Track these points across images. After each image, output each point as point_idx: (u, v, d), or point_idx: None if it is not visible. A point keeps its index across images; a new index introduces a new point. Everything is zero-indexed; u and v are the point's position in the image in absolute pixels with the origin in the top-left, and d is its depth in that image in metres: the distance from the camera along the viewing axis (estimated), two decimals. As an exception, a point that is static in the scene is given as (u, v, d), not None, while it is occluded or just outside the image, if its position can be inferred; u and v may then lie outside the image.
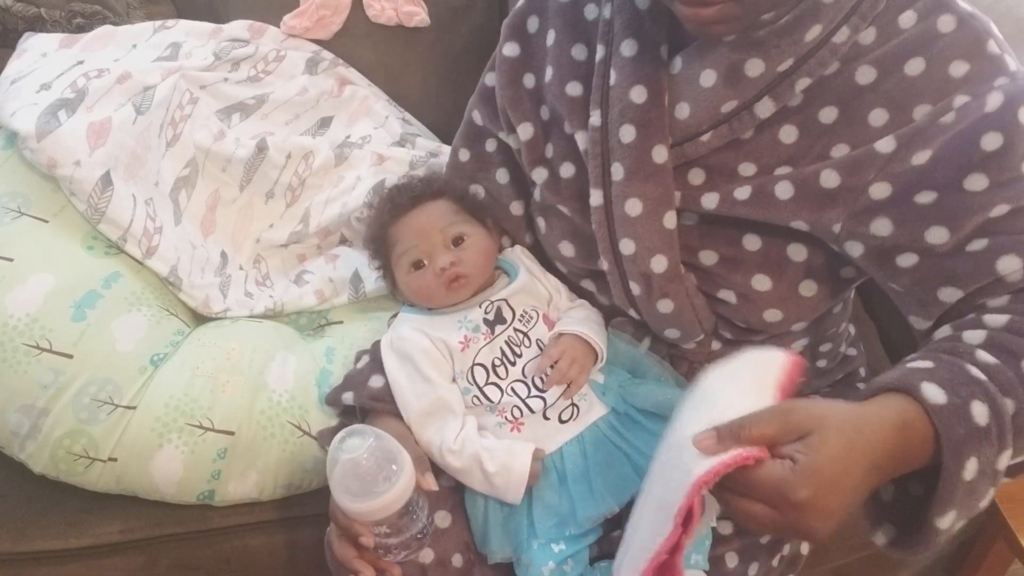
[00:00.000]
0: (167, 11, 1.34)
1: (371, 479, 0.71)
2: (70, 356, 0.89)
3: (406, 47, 1.36)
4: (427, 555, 0.82)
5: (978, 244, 0.67)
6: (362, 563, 0.74)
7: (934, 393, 0.58)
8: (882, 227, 0.70)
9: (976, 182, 0.66)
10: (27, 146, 0.92)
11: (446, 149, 1.29)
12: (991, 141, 0.66)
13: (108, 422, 0.90)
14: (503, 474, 0.77)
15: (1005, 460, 0.60)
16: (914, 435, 0.58)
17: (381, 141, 1.26)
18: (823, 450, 0.54)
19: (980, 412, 0.58)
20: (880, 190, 0.69)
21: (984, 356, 0.62)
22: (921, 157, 0.67)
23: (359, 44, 1.34)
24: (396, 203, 0.89)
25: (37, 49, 1.09)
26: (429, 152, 1.27)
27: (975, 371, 0.61)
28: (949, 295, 0.69)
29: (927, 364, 0.62)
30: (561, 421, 0.81)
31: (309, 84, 1.26)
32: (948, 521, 0.59)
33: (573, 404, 0.81)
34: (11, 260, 0.89)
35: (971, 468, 0.58)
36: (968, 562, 1.26)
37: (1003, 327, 0.65)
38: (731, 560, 0.84)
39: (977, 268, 0.67)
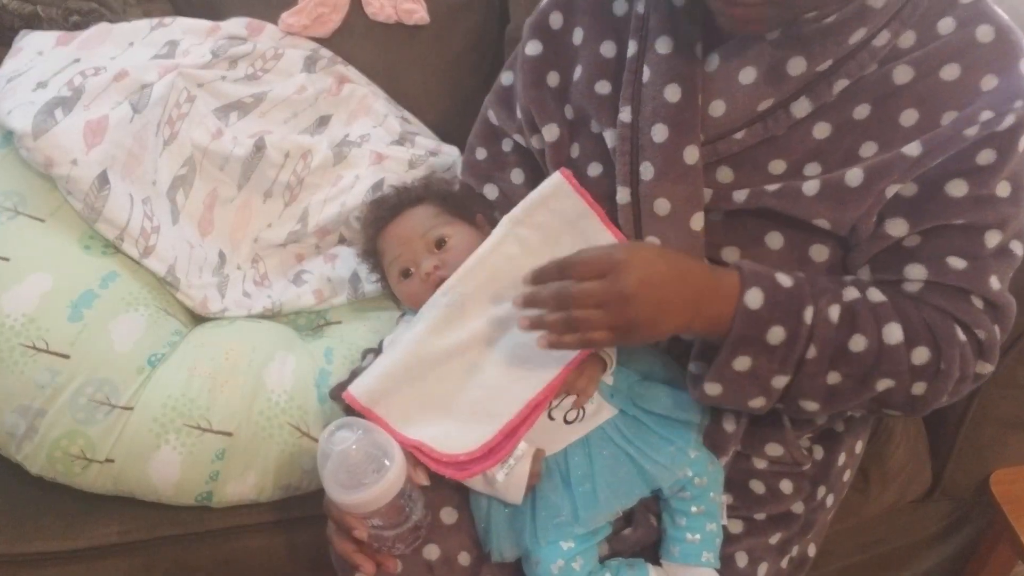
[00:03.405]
0: (164, 8, 1.33)
1: (361, 471, 0.72)
2: (67, 356, 0.88)
3: (405, 45, 1.36)
4: (433, 552, 0.82)
5: (912, 241, 0.73)
6: (361, 556, 0.75)
7: (754, 299, 0.70)
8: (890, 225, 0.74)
9: (957, 188, 0.71)
10: (23, 145, 0.91)
11: (446, 148, 1.29)
12: (986, 156, 0.70)
13: (105, 423, 0.89)
14: (506, 471, 0.76)
15: (780, 382, 0.73)
16: (723, 304, 0.71)
17: (380, 140, 1.26)
18: (643, 244, 0.75)
19: (776, 334, 0.71)
20: (891, 190, 0.72)
21: (833, 312, 0.72)
22: (938, 160, 0.70)
23: (358, 42, 1.34)
24: (378, 216, 0.90)
25: (33, 47, 1.09)
26: (428, 151, 1.26)
27: (808, 313, 0.71)
28: (865, 273, 0.77)
29: (787, 282, 0.72)
30: (566, 422, 0.80)
31: (307, 82, 1.26)
32: (715, 390, 0.74)
33: (579, 407, 0.81)
34: (7, 260, 0.89)
35: (742, 362, 0.72)
36: (972, 564, 1.26)
37: (872, 302, 0.73)
38: (741, 560, 0.84)
39: (894, 264, 0.75)
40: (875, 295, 0.74)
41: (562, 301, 0.70)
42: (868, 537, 1.17)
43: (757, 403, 0.75)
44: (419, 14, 1.33)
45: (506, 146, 0.92)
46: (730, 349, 0.71)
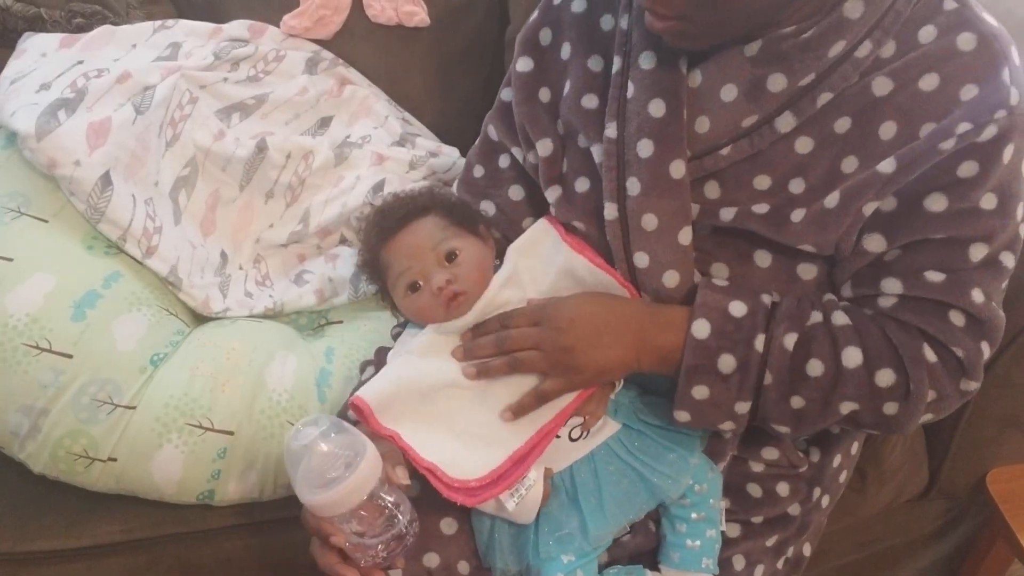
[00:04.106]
0: (167, 11, 1.34)
1: (329, 468, 0.67)
2: (70, 356, 0.89)
3: (406, 47, 1.36)
4: (433, 560, 0.82)
5: (892, 255, 0.72)
6: (345, 567, 0.71)
7: (701, 329, 0.72)
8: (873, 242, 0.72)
9: (936, 202, 0.69)
10: (27, 146, 0.92)
11: (446, 149, 1.30)
12: (967, 169, 0.67)
13: (108, 422, 0.90)
14: (517, 500, 0.76)
15: (743, 408, 0.74)
16: (670, 336, 0.74)
17: (381, 141, 1.26)
18: (571, 296, 0.78)
19: (727, 363, 0.72)
20: (869, 208, 0.71)
21: (789, 339, 0.72)
22: (914, 175, 0.69)
23: (359, 44, 1.34)
24: (383, 226, 0.85)
25: (37, 49, 1.09)
26: (429, 152, 1.27)
27: (760, 341, 0.72)
28: (846, 290, 0.76)
29: (739, 312, 0.73)
30: (572, 440, 0.80)
31: (309, 84, 1.26)
32: (683, 417, 0.75)
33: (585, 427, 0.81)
34: (11, 260, 0.89)
35: (700, 392, 0.73)
36: (968, 562, 1.26)
37: (835, 326, 0.73)
38: (738, 563, 0.85)
39: (872, 278, 0.73)
40: (840, 318, 0.73)
41: (502, 346, 0.76)
42: (865, 536, 1.18)
43: (727, 427, 0.76)
44: (420, 16, 1.34)
45: (503, 162, 0.91)
46: (685, 379, 0.73)
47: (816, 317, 0.73)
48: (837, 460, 0.90)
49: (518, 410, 0.76)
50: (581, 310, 0.76)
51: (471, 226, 0.86)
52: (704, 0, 0.65)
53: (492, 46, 1.41)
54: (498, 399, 0.78)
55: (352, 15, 1.32)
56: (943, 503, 1.18)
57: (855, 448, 0.94)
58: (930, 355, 0.71)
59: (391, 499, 0.71)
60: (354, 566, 0.72)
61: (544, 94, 0.85)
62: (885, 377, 0.71)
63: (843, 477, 0.93)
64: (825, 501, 0.91)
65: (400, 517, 0.71)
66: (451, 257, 0.81)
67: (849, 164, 0.71)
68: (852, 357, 0.71)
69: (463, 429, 0.78)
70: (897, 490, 1.10)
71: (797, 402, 0.73)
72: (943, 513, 1.20)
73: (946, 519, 1.21)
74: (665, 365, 0.75)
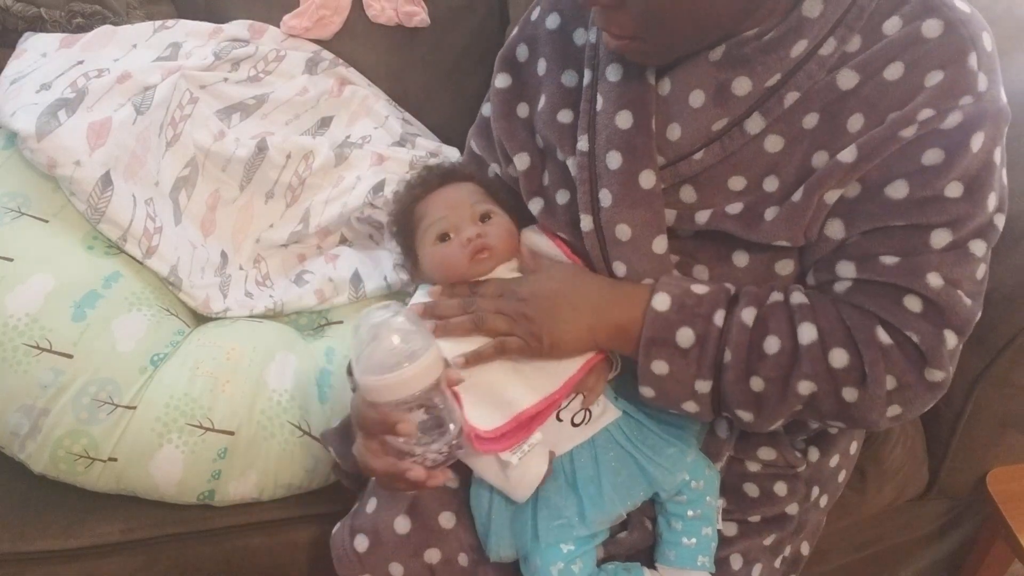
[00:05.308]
0: (167, 11, 1.34)
1: (394, 353, 0.68)
2: (70, 356, 0.89)
3: (406, 47, 1.36)
4: (434, 555, 0.83)
5: (852, 241, 0.72)
6: (409, 463, 0.70)
7: (661, 302, 0.73)
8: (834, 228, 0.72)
9: (897, 190, 0.68)
10: (27, 146, 0.92)
11: (446, 149, 1.30)
12: (931, 157, 0.66)
13: (108, 422, 0.90)
14: (520, 469, 0.76)
15: (703, 387, 0.73)
16: (628, 310, 0.75)
17: (381, 141, 1.26)
18: (534, 272, 0.81)
19: (685, 336, 0.72)
20: (832, 196, 0.70)
21: (747, 315, 0.72)
22: (874, 162, 0.68)
23: (359, 44, 1.35)
24: (427, 180, 0.89)
25: (37, 49, 1.09)
26: (429, 152, 1.27)
27: (719, 316, 0.72)
28: (810, 278, 0.76)
29: (701, 290, 0.74)
30: (574, 424, 0.80)
31: (309, 84, 1.27)
32: (648, 393, 0.76)
33: (586, 408, 0.81)
34: (11, 260, 0.89)
35: (660, 367, 0.73)
36: (968, 562, 1.26)
37: (792, 304, 0.73)
38: (736, 562, 0.85)
39: (830, 262, 0.73)
40: (798, 297, 0.73)
41: (467, 308, 0.78)
42: (865, 536, 1.18)
43: (690, 408, 0.75)
44: (420, 16, 1.34)
45: (489, 174, 0.93)
46: (645, 352, 0.74)
47: (776, 297, 0.74)
48: (835, 460, 0.90)
49: (473, 358, 0.76)
50: (541, 284, 0.79)
51: (505, 206, 0.88)
52: (654, 20, 0.66)
53: (492, 46, 1.40)
54: (501, 367, 0.78)
55: (352, 15, 1.33)
56: (943, 503, 1.18)
57: (854, 448, 0.94)
58: (884, 338, 0.69)
59: (445, 401, 0.72)
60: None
61: (522, 109, 0.86)
62: (838, 357, 0.70)
63: (842, 477, 0.93)
64: (823, 500, 0.91)
65: (454, 426, 0.71)
66: (485, 218, 0.85)
67: (819, 159, 0.71)
68: (807, 333, 0.70)
69: (471, 386, 0.77)
70: (898, 490, 1.10)
71: (756, 384, 0.72)
72: (943, 513, 1.20)
73: (946, 519, 1.21)
74: (625, 340, 0.75)
